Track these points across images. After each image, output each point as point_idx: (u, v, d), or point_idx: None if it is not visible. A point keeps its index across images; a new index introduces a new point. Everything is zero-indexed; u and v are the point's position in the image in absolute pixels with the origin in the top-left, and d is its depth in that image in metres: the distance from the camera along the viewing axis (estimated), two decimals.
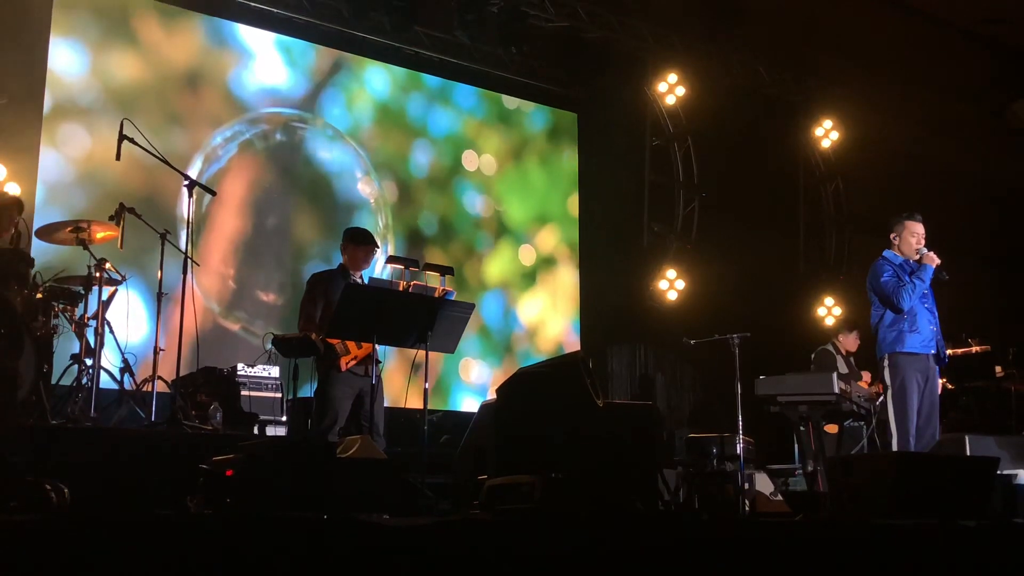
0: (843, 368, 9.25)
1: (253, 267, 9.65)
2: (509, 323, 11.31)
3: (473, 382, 10.87)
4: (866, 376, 9.09)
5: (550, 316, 11.65)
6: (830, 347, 9.64)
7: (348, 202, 10.35)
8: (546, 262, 11.70)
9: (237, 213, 9.58)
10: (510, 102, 11.74)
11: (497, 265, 11.31)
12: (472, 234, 11.22)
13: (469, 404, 10.56)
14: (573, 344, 11.62)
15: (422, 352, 6.45)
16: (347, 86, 10.58)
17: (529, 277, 11.54)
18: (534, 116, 11.95)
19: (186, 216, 6.71)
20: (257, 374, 7.81)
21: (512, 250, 11.44)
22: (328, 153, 10.30)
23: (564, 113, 12.22)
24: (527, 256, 11.54)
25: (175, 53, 9.49)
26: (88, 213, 8.24)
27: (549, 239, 11.76)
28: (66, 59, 8.87)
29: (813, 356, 9.59)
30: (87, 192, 8.74)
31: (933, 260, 6.79)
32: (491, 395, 10.38)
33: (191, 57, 9.61)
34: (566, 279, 11.85)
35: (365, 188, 10.46)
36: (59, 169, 8.69)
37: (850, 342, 9.70)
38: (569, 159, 12.16)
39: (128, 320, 7.24)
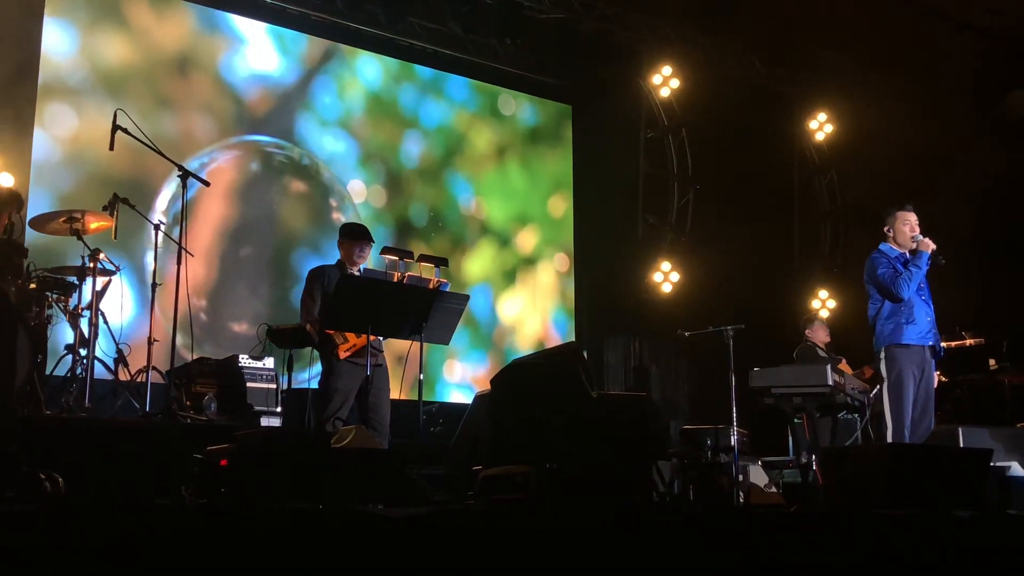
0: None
1: (226, 297, 9.41)
2: (494, 317, 11.25)
3: (457, 376, 10.82)
4: (844, 362, 9.16)
5: (535, 311, 11.58)
6: (808, 344, 9.67)
7: (326, 226, 10.03)
8: (538, 255, 11.69)
9: (208, 242, 9.31)
10: (504, 94, 11.71)
11: (485, 259, 11.26)
12: (461, 227, 11.17)
13: (455, 397, 10.56)
14: (555, 340, 11.56)
15: (403, 345, 6.45)
16: (339, 74, 10.54)
17: (518, 271, 11.49)
18: (528, 108, 11.93)
19: (179, 201, 6.70)
20: (252, 365, 7.80)
21: (500, 244, 11.39)
22: (304, 183, 10.10)
23: (558, 105, 12.20)
24: (515, 250, 11.50)
25: (166, 37, 9.43)
26: (74, 194, 8.35)
27: (541, 233, 11.74)
28: (56, 39, 8.80)
29: (795, 355, 9.59)
30: (73, 173, 8.69)
31: (928, 246, 6.82)
32: (472, 389, 10.42)
33: (182, 41, 9.54)
34: (554, 273, 11.77)
35: (339, 216, 10.19)
36: (45, 149, 8.62)
37: (820, 334, 9.73)
38: (563, 151, 12.13)
39: (122, 310, 7.24)
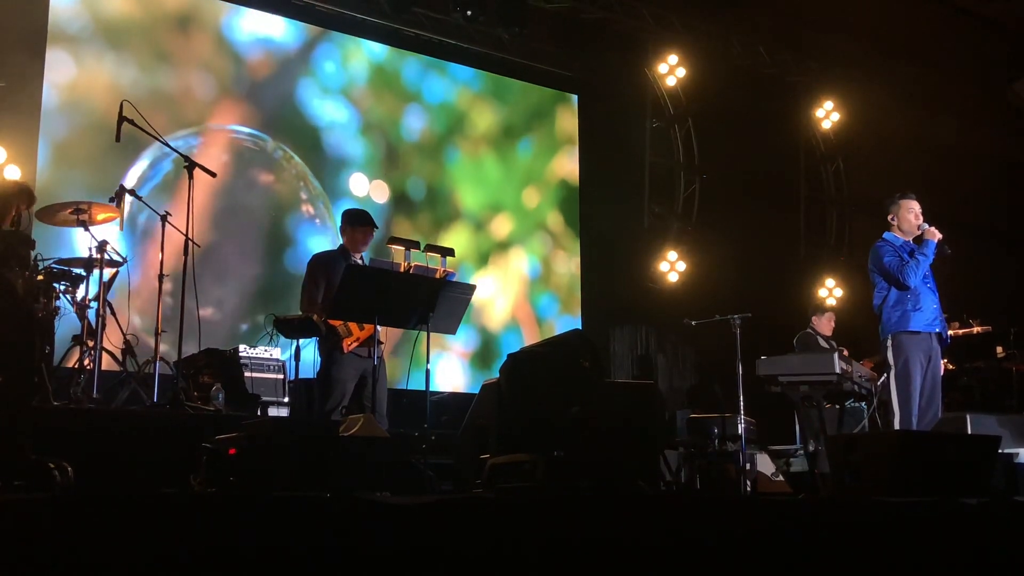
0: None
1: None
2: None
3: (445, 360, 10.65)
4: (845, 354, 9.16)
5: (519, 294, 11.45)
6: (810, 331, 9.67)
7: (294, 231, 9.85)
8: (546, 242, 11.67)
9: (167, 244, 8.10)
10: (508, 82, 11.66)
11: (477, 239, 11.17)
12: (454, 206, 11.04)
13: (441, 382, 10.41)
14: (530, 320, 11.42)
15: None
16: (343, 43, 10.50)
17: (491, 254, 11.30)
18: (532, 97, 11.88)
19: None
20: (259, 355, 7.80)
21: (489, 226, 11.28)
22: (271, 175, 9.80)
23: (564, 94, 12.18)
24: (490, 234, 11.31)
25: None
26: (67, 141, 8.46)
27: (543, 220, 11.70)
28: None
29: (795, 341, 9.58)
30: (68, 120, 8.68)
31: (935, 235, 6.80)
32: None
33: None
34: (534, 258, 11.61)
35: (309, 208, 10.01)
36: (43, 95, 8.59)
37: (824, 324, 9.71)
38: (568, 141, 12.10)
39: (129, 302, 7.25)
